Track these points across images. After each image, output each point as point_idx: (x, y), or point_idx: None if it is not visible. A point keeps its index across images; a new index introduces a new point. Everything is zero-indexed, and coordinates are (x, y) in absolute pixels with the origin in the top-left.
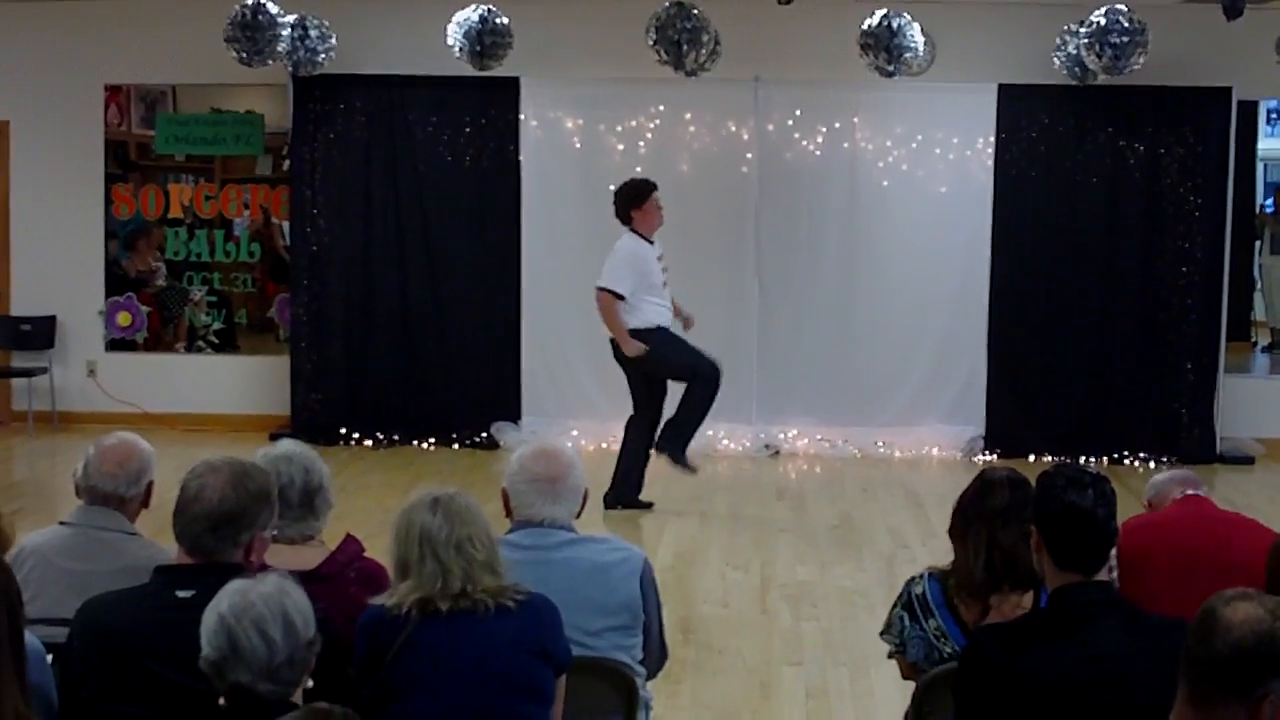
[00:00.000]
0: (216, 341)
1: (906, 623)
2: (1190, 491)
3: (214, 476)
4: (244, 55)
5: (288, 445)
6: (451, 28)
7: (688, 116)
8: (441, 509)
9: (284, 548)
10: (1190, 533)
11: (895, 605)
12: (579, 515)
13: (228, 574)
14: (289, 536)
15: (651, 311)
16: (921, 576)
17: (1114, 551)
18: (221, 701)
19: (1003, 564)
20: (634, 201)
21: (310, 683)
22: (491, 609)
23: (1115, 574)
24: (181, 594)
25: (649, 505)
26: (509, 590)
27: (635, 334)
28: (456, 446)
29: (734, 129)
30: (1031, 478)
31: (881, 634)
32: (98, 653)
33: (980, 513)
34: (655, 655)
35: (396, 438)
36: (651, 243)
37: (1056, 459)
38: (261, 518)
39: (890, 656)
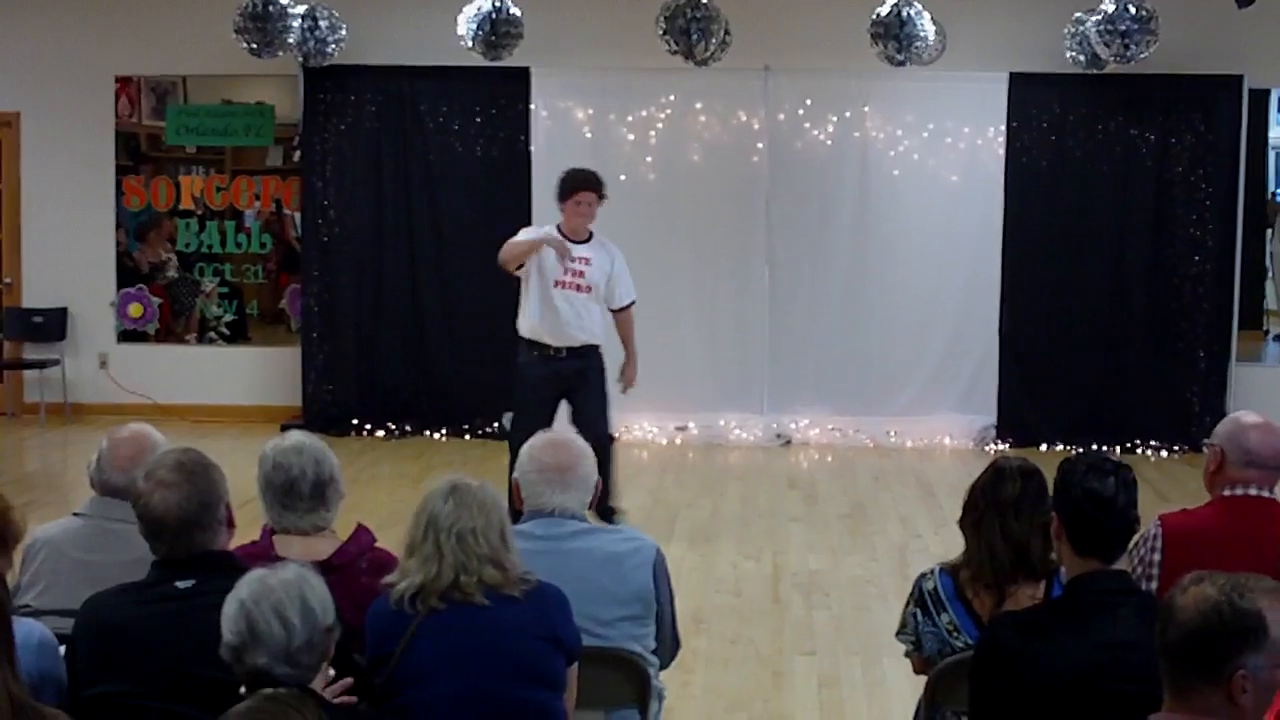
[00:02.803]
0: (228, 333)
1: (919, 619)
2: (1254, 492)
3: (162, 488)
4: (254, 46)
5: (298, 437)
6: (462, 18)
7: (698, 106)
8: (454, 497)
9: (295, 539)
10: (1246, 563)
11: (907, 603)
12: (591, 505)
13: (220, 560)
14: (301, 528)
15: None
16: (932, 572)
17: (1157, 558)
18: (242, 690)
19: (1015, 554)
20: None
21: (332, 671)
22: (486, 603)
23: (1155, 586)
24: (181, 584)
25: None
26: (515, 581)
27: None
28: (468, 437)
29: (744, 118)
30: (1043, 467)
31: (897, 634)
32: (103, 649)
33: (992, 503)
34: (668, 645)
35: (408, 428)
36: (577, 242)
37: (1068, 448)
38: (221, 487)
39: (907, 655)
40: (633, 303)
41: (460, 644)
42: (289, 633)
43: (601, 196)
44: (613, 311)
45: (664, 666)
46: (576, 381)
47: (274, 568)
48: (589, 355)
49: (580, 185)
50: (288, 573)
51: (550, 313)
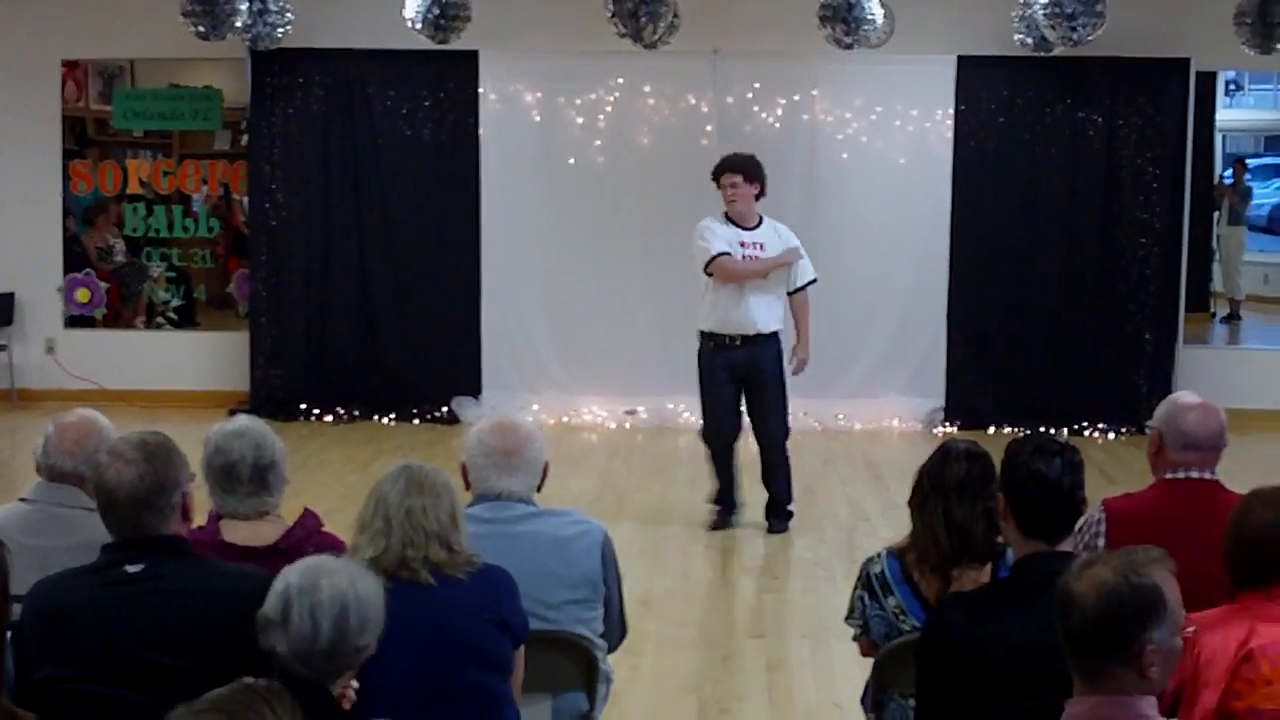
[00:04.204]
0: (176, 318)
1: (867, 603)
2: (1195, 474)
3: (120, 463)
4: (202, 30)
5: (242, 421)
6: (410, 0)
7: (647, 89)
8: (405, 477)
9: (240, 524)
10: (1188, 546)
11: (855, 587)
12: (540, 489)
13: (172, 545)
14: (243, 513)
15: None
16: (879, 555)
17: (1101, 544)
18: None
19: (958, 538)
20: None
21: (356, 684)
22: (432, 582)
23: None
24: (131, 568)
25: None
26: (461, 563)
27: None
28: (417, 421)
29: (693, 101)
30: (992, 449)
31: (846, 619)
32: (51, 633)
33: (936, 485)
34: (616, 628)
35: (357, 413)
36: (746, 228)
37: (1017, 430)
38: (182, 475)
39: (855, 639)
40: (812, 282)
41: (407, 624)
42: (315, 635)
43: (747, 176)
44: (789, 294)
45: (612, 650)
46: (751, 372)
47: (335, 568)
48: (765, 344)
49: (721, 169)
50: (341, 579)
51: (725, 302)
